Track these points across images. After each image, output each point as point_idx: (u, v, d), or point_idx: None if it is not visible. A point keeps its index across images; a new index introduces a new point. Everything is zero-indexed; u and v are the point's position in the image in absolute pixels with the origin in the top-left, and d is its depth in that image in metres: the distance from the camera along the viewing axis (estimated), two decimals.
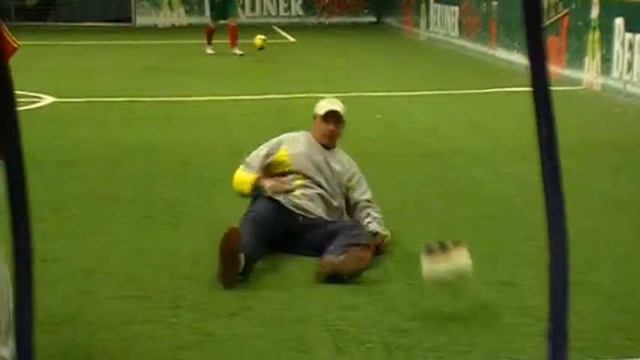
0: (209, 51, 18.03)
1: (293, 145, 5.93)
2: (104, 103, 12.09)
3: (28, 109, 10.85)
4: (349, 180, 5.94)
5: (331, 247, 5.35)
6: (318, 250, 5.48)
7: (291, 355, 4.20)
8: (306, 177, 5.81)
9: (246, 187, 5.77)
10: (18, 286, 0.63)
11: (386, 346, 4.31)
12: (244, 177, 5.82)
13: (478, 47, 18.17)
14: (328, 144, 5.99)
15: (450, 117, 11.19)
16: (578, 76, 13.69)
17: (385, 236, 5.72)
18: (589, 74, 13.49)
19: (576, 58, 13.89)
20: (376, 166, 8.30)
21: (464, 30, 19.45)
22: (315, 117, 6.05)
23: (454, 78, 14.59)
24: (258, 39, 17.29)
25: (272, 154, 5.89)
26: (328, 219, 5.72)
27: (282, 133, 6.15)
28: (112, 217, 6.54)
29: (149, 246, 5.84)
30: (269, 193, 5.64)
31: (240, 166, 5.89)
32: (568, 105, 11.19)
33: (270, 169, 5.84)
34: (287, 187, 5.71)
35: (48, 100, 11.96)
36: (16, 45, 3.82)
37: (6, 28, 3.83)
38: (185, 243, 5.84)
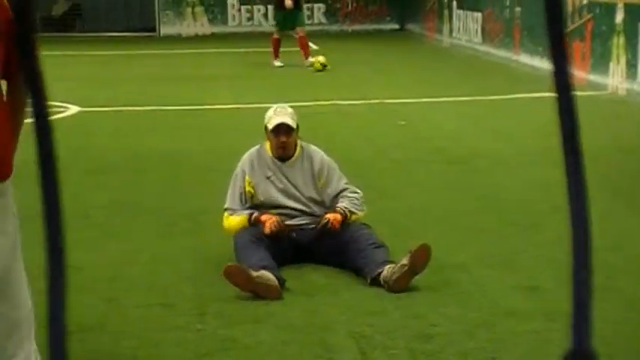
0: (277, 63, 16.88)
1: (252, 173, 5.75)
2: (129, 112, 12.16)
3: (53, 119, 10.92)
4: (318, 180, 5.77)
5: (365, 266, 5.27)
6: (337, 258, 5.47)
7: None
8: (276, 206, 5.70)
9: (240, 227, 5.58)
10: (51, 296, 0.64)
11: (411, 352, 4.29)
12: (236, 220, 5.64)
13: (502, 53, 18.11)
14: (285, 155, 5.77)
15: (474, 123, 11.15)
16: (603, 82, 13.62)
17: (351, 214, 5.61)
18: (614, 79, 13.41)
19: (601, 63, 13.82)
20: (400, 173, 8.29)
21: (487, 36, 19.41)
22: (265, 129, 5.81)
23: (478, 84, 14.55)
24: (318, 62, 16.14)
25: (242, 190, 5.74)
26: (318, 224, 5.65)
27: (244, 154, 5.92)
28: (137, 226, 6.56)
29: (173, 254, 5.86)
30: (267, 232, 5.51)
31: (225, 214, 5.70)
32: (593, 110, 11.12)
33: (251, 202, 5.75)
34: (284, 227, 5.55)
35: (73, 109, 12.03)
36: None
37: None
38: (209, 250, 5.86)
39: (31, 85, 0.62)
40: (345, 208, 5.65)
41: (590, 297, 0.67)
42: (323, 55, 16.45)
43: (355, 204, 5.71)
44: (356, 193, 5.78)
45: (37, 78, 0.62)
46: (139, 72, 16.91)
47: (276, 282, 5.05)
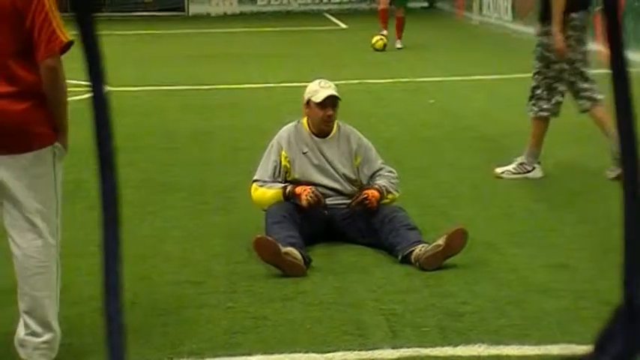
0: (398, 45, 16.35)
1: (289, 147, 5.72)
2: (159, 92, 12.20)
3: (84, 99, 11.00)
4: (355, 159, 5.76)
5: (398, 244, 5.27)
6: (369, 238, 5.48)
7: (346, 338, 4.22)
8: (310, 184, 5.67)
9: (273, 201, 5.56)
10: (107, 291, 0.65)
11: (441, 329, 4.30)
12: (270, 193, 5.61)
13: (532, 31, 17.97)
14: (327, 130, 5.76)
15: (504, 101, 11.09)
16: (636, 59, 13.48)
17: (388, 193, 5.61)
18: None
19: (634, 39, 13.67)
20: (430, 151, 8.28)
21: (517, 13, 19.26)
22: (308, 103, 5.74)
23: (507, 62, 14.45)
24: (380, 40, 15.81)
25: (277, 164, 5.72)
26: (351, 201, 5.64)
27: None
28: (168, 204, 6.61)
29: (204, 232, 5.90)
30: (304, 204, 5.49)
31: (254, 185, 5.67)
32: None
33: (285, 177, 5.72)
34: (321, 198, 5.53)
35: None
36: (65, 40, 3.74)
37: (59, 20, 3.77)
38: (239, 228, 5.88)
39: (90, 67, 0.63)
40: (383, 186, 5.65)
41: None
42: (381, 37, 16.20)
43: (392, 183, 5.72)
44: (392, 172, 5.78)
45: (97, 59, 0.63)
46: (168, 51, 16.96)
47: (302, 260, 5.07)
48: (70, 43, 3.77)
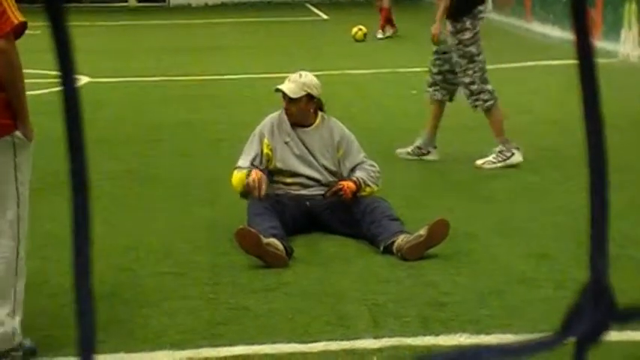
0: (386, 34, 16.91)
1: (271, 136, 5.76)
2: (140, 83, 12.16)
3: (58, 90, 10.94)
4: (337, 151, 5.79)
5: (379, 235, 5.29)
6: (351, 229, 5.49)
7: (328, 329, 4.23)
8: (292, 174, 5.72)
9: (241, 184, 5.60)
10: (76, 271, 0.66)
11: (423, 319, 4.32)
12: (236, 175, 5.65)
13: (513, 21, 18.02)
14: (294, 122, 5.76)
15: None
16: (614, 49, 13.55)
17: (366, 186, 5.62)
18: (625, 46, 13.34)
19: (612, 29, 13.74)
20: (411, 141, 8.29)
21: (498, 4, 19.29)
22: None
23: (489, 52, 14.43)
24: (359, 31, 16.10)
25: (259, 152, 5.73)
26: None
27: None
28: (150, 195, 6.60)
29: (186, 223, 5.90)
30: (244, 184, 5.51)
31: (234, 172, 5.70)
32: (604, 77, 10.99)
33: (267, 165, 5.74)
34: (255, 192, 5.50)
35: (84, 80, 12.04)
36: (16, 21, 3.60)
37: (10, 2, 3.63)
38: (222, 220, 5.88)
39: (60, 58, 0.63)
40: (361, 178, 5.66)
41: (607, 234, 0.70)
42: (360, 27, 16.26)
43: (371, 177, 5.72)
44: (373, 166, 5.79)
45: (67, 50, 0.63)
46: (149, 43, 16.90)
47: (284, 251, 5.08)
48: (22, 25, 3.63)
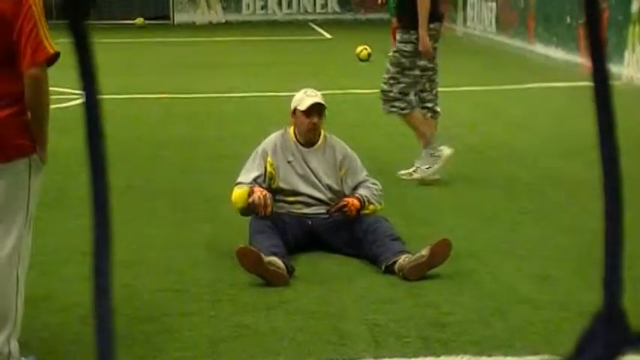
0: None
1: (275, 155, 5.73)
2: (143, 100, 12.19)
3: (66, 107, 10.95)
4: (340, 169, 5.77)
5: (381, 255, 5.26)
6: (353, 249, 5.48)
7: (329, 348, 4.22)
8: (294, 193, 5.71)
9: (242, 201, 5.57)
10: (96, 290, 0.65)
11: (424, 340, 4.30)
12: (237, 192, 5.62)
13: (516, 42, 18.06)
14: (312, 139, 5.77)
15: (489, 112, 11.14)
16: (618, 71, 13.57)
17: (369, 204, 5.62)
18: (629, 69, 13.36)
19: (616, 52, 13.77)
20: (414, 161, 8.28)
21: (501, 25, 19.35)
22: (294, 112, 5.76)
23: (492, 74, 14.52)
24: (364, 50, 16.29)
25: (262, 170, 5.71)
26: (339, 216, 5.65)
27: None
28: (152, 212, 6.59)
29: (188, 240, 5.89)
30: (249, 201, 5.49)
31: (234, 188, 5.67)
32: None
33: (269, 184, 5.72)
34: (261, 210, 5.47)
35: None
36: (52, 51, 3.71)
37: (46, 31, 3.74)
38: (223, 237, 5.88)
39: (83, 74, 0.63)
40: (365, 196, 5.66)
41: (621, 258, 0.70)
42: (365, 47, 16.32)
43: (374, 195, 5.72)
44: (375, 185, 5.79)
45: (90, 67, 0.63)
46: (153, 60, 16.95)
47: (285, 270, 5.07)
48: (56, 55, 3.74)
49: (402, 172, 7.53)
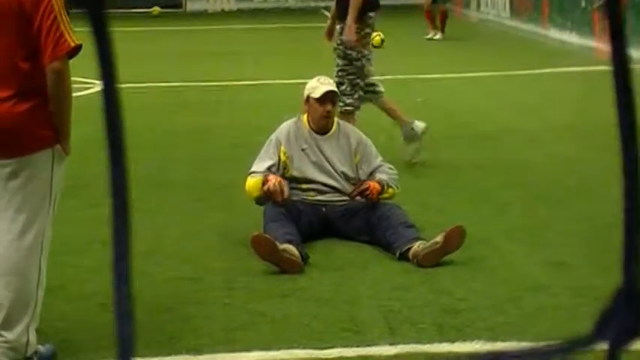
0: (430, 35, 17.41)
1: (288, 143, 5.75)
2: (157, 89, 12.21)
3: (80, 96, 10.99)
4: (354, 156, 5.78)
5: (395, 242, 5.28)
6: (366, 236, 5.49)
7: (344, 335, 4.24)
8: (308, 180, 5.72)
9: (257, 189, 5.57)
10: (116, 275, 0.67)
11: (438, 326, 4.32)
12: (250, 181, 5.63)
13: (530, 27, 17.99)
14: (326, 127, 5.79)
15: (502, 98, 11.11)
16: (637, 55, 13.49)
17: (389, 187, 5.63)
18: None
19: (636, 35, 13.68)
20: (426, 148, 8.28)
21: (515, 10, 19.27)
22: (307, 100, 5.78)
23: (506, 59, 14.48)
24: (377, 36, 16.42)
25: (276, 159, 5.72)
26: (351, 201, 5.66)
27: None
28: (167, 201, 6.62)
29: (203, 228, 5.91)
30: (264, 189, 5.49)
31: (248, 178, 5.68)
32: None
33: (283, 173, 5.72)
34: (278, 197, 5.47)
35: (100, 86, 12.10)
36: (72, 44, 3.72)
37: (67, 24, 3.76)
38: (238, 225, 5.90)
39: (103, 65, 0.65)
40: (384, 180, 5.67)
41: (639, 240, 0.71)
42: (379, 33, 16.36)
43: (393, 179, 5.74)
44: (392, 169, 5.81)
45: (109, 58, 0.65)
46: (165, 48, 16.96)
47: (300, 257, 5.09)
48: (78, 48, 3.75)
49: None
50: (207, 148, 8.41)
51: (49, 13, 3.69)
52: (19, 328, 3.81)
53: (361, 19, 7.32)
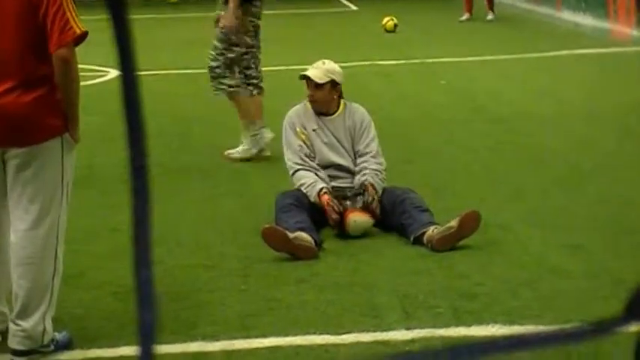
0: (489, 17, 17.29)
1: (302, 125, 5.76)
2: (170, 76, 12.20)
3: (93, 84, 10.99)
4: (354, 131, 5.77)
5: (410, 226, 5.25)
6: (381, 221, 5.47)
7: (360, 320, 4.23)
8: (324, 165, 5.68)
9: (313, 195, 5.51)
10: (137, 260, 0.65)
11: (455, 311, 4.30)
12: (309, 180, 5.56)
13: (544, 10, 17.87)
14: (321, 108, 5.77)
15: (517, 81, 11.05)
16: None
17: (375, 193, 5.55)
18: None
19: None
20: (441, 132, 8.25)
21: None
22: None
23: (520, 42, 14.39)
24: (390, 21, 16.34)
25: (302, 143, 5.70)
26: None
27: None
28: (180, 188, 6.62)
29: (216, 215, 5.91)
30: (331, 223, 5.42)
31: (293, 168, 5.62)
32: (638, 66, 10.96)
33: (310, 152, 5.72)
34: (334, 216, 5.40)
35: (114, 73, 12.10)
36: (78, 31, 3.72)
37: (73, 12, 3.76)
38: (251, 211, 5.89)
39: (121, 52, 0.63)
40: (376, 184, 5.57)
41: None
42: (391, 17, 16.28)
43: (380, 180, 5.64)
44: (380, 165, 5.71)
45: (128, 45, 0.63)
46: (175, 35, 16.94)
47: (313, 243, 5.07)
48: (84, 35, 3.75)
49: (230, 151, 7.39)
50: (220, 135, 8.39)
51: (54, 0, 3.68)
52: (35, 317, 3.82)
53: (245, 7, 7.27)
